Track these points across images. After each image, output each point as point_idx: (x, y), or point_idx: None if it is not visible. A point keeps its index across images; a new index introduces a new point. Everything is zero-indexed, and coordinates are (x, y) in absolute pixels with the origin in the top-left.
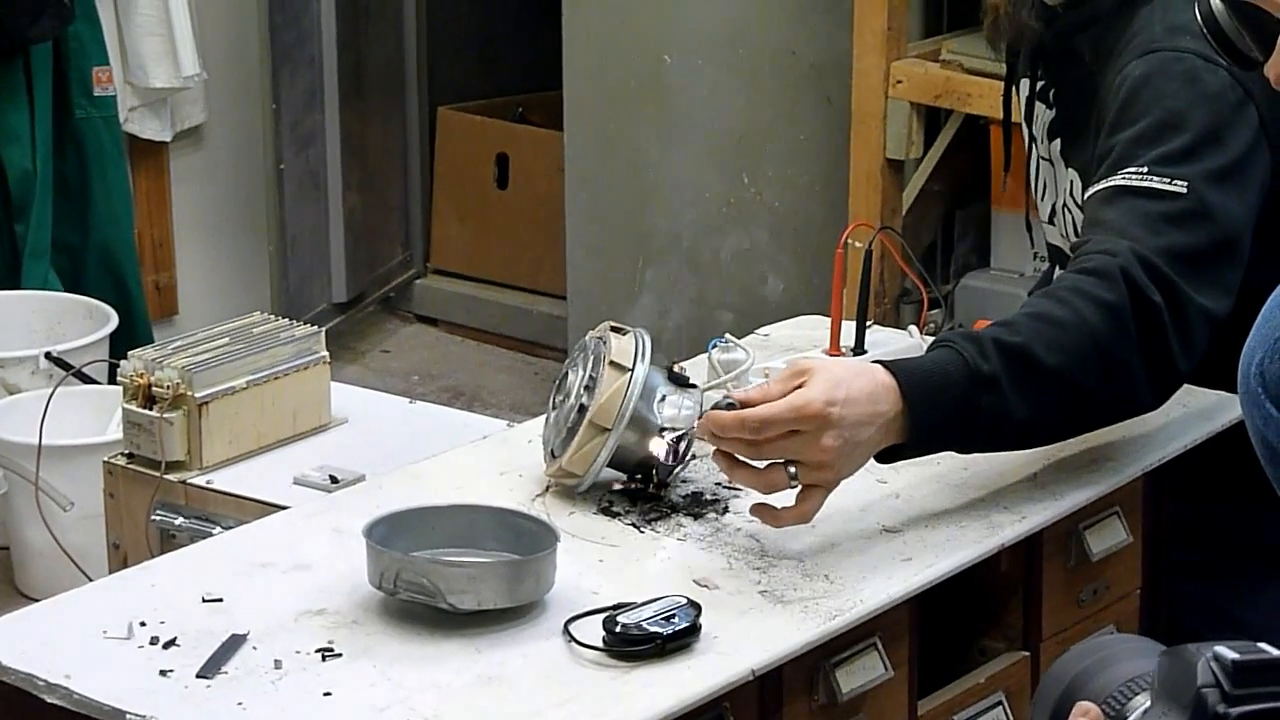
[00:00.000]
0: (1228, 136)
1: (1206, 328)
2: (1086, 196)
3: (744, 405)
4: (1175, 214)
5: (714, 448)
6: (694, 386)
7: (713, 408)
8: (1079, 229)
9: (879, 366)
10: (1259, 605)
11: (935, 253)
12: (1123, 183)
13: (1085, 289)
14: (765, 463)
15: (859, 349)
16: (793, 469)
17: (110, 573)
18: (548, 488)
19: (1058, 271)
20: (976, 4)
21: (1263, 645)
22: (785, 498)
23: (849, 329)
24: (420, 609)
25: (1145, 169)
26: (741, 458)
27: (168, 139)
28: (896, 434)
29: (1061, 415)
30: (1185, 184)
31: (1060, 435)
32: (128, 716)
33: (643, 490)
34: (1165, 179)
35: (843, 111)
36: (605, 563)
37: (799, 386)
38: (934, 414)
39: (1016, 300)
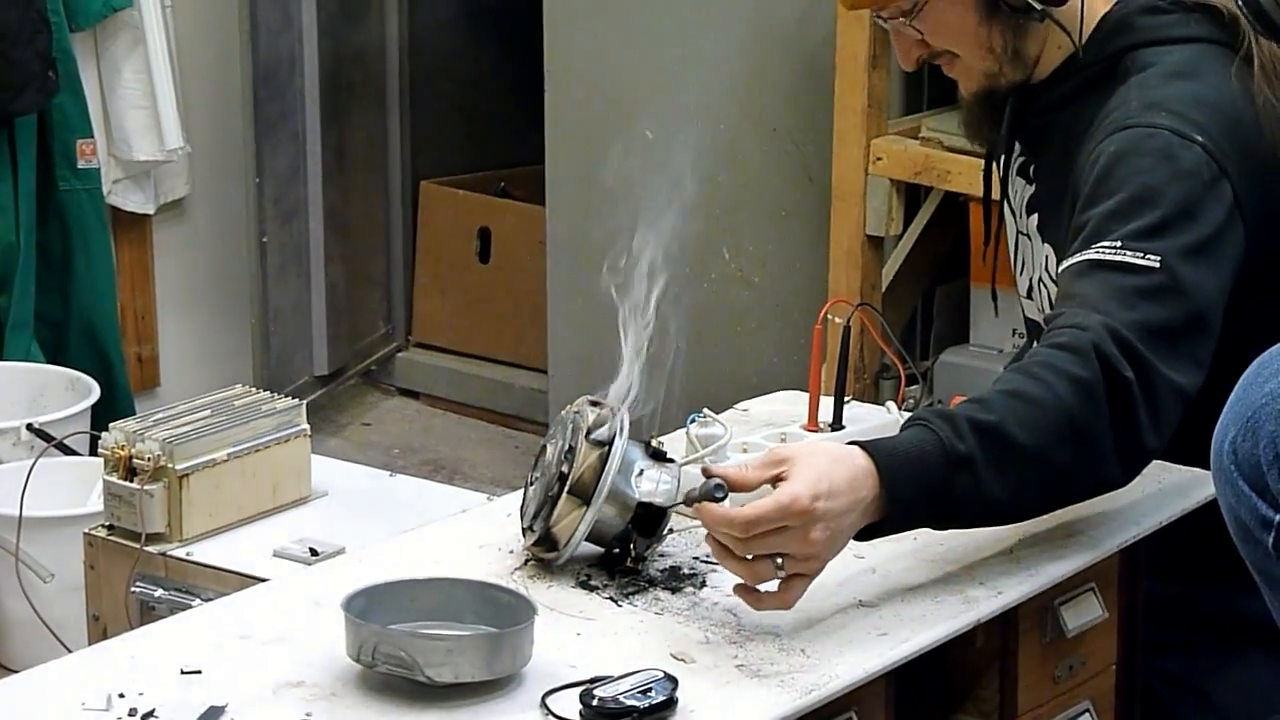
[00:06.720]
0: (1201, 212)
1: (1177, 404)
2: (1060, 270)
3: (728, 482)
4: (1148, 289)
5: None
6: (672, 461)
7: (701, 491)
8: (1053, 302)
9: (856, 450)
10: (1232, 682)
11: (915, 329)
12: (1096, 256)
13: (1058, 365)
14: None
15: (837, 425)
16: (779, 559)
17: (90, 644)
18: (526, 561)
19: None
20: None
21: None
22: (768, 582)
23: (827, 404)
24: (398, 681)
25: (1119, 243)
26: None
27: (151, 211)
28: (874, 514)
29: (1034, 493)
30: (1158, 259)
31: (1032, 513)
32: None
33: (620, 564)
34: (1138, 254)
35: (823, 188)
36: (583, 636)
37: (779, 475)
38: (910, 494)
39: (995, 377)
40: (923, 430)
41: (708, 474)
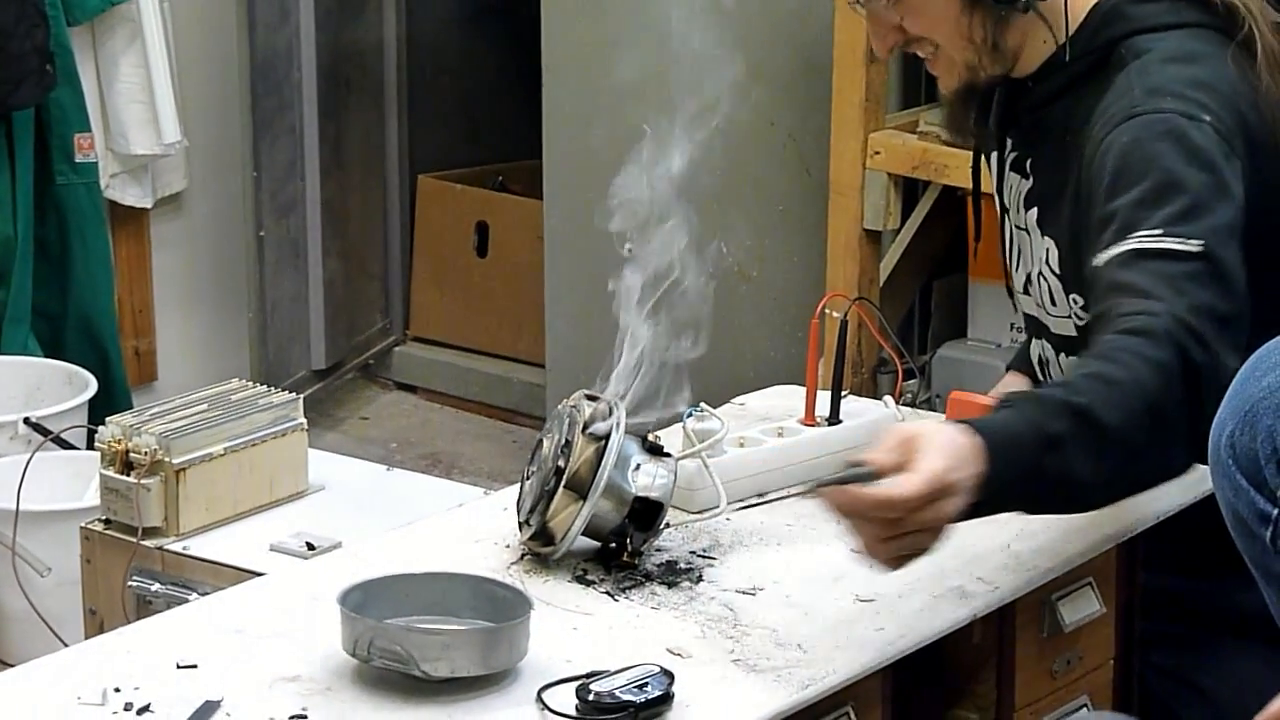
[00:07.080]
0: (1225, 191)
1: None
2: (1097, 264)
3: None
4: (1195, 274)
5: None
6: (668, 455)
7: (848, 476)
8: (1054, 298)
9: (960, 428)
10: (1227, 677)
11: (912, 323)
12: (1137, 246)
13: (1136, 349)
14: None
15: (834, 419)
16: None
17: (86, 638)
18: (523, 555)
19: (1051, 351)
20: None
21: None
22: None
23: (825, 399)
24: (394, 676)
25: (1159, 230)
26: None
27: (149, 205)
28: (974, 494)
29: (1117, 476)
30: (1200, 243)
31: (1113, 497)
32: None
33: (617, 558)
34: (1179, 239)
35: (821, 182)
36: (579, 630)
37: (908, 453)
38: (1010, 474)
39: (993, 371)
40: (1015, 412)
41: (855, 464)
